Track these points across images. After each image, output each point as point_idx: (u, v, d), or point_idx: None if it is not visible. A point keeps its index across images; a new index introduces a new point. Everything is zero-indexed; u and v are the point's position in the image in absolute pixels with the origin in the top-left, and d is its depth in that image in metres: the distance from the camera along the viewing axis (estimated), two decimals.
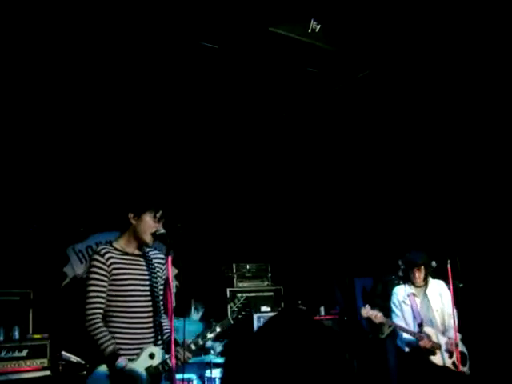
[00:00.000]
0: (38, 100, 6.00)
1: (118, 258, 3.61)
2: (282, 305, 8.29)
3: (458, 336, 5.33)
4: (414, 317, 5.49)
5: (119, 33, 4.89)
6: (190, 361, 5.39)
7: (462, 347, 5.43)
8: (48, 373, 5.80)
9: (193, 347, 3.65)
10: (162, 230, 3.66)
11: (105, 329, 3.48)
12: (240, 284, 8.31)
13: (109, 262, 3.56)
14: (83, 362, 5.39)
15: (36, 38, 4.87)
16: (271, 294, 8.42)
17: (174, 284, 7.43)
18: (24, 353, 5.90)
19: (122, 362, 3.39)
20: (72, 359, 5.49)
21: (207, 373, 6.27)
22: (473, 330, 5.87)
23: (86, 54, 5.22)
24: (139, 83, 5.88)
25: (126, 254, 3.66)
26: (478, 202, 6.72)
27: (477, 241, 6.61)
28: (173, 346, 3.38)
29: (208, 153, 7.47)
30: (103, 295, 3.54)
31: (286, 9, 4.68)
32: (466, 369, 5.41)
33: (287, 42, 4.96)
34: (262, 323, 7.48)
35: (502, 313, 6.38)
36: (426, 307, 5.59)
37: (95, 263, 3.56)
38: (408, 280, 5.71)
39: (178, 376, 3.66)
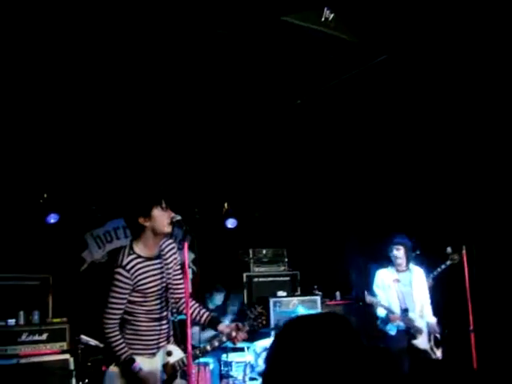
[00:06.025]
0: (55, 96, 6.03)
1: (142, 267, 3.63)
2: (299, 290, 8.30)
3: (435, 320, 5.79)
4: (399, 302, 5.75)
5: (128, 22, 4.82)
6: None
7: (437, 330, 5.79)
8: (67, 356, 5.91)
9: (208, 348, 3.80)
10: (178, 217, 3.65)
11: (121, 336, 3.59)
12: (256, 269, 8.34)
13: (134, 275, 3.58)
14: (102, 346, 5.47)
15: (40, 35, 4.86)
16: (288, 278, 8.43)
17: (190, 270, 7.49)
18: (44, 336, 6.02)
19: (137, 366, 3.54)
20: (91, 342, 5.57)
21: (223, 356, 6.36)
22: (487, 318, 5.92)
23: (92, 47, 5.15)
24: (147, 75, 5.83)
25: (149, 259, 3.68)
26: (494, 190, 6.65)
27: (492, 229, 6.56)
28: (189, 339, 3.43)
29: (222, 140, 7.46)
30: (123, 305, 3.61)
31: None
32: (439, 352, 5.75)
33: (299, 30, 4.88)
34: (278, 308, 7.51)
35: None
36: (409, 294, 5.82)
37: (119, 277, 3.57)
38: (391, 263, 5.92)
39: (196, 361, 3.76)
